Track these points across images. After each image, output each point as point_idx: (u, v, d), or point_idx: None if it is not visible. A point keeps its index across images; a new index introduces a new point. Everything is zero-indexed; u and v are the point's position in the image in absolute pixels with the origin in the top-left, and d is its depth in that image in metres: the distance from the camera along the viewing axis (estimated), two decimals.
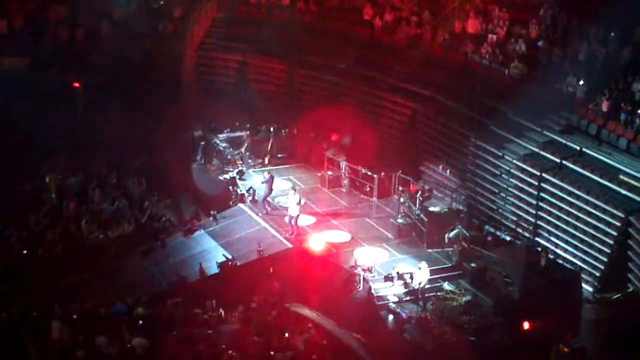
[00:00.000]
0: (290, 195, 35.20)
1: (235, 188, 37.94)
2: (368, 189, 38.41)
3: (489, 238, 34.99)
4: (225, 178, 38.90)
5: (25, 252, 33.33)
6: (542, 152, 35.36)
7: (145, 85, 42.68)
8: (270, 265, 32.12)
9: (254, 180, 38.79)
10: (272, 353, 25.90)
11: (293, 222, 34.87)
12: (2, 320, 26.71)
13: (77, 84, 42.89)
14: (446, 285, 32.66)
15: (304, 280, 31.45)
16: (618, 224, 31.88)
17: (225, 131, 41.66)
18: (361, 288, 31.65)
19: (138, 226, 35.36)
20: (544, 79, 37.49)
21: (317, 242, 33.41)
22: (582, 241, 33.09)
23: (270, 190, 36.80)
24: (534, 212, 34.95)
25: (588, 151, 34.47)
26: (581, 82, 36.07)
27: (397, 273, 32.21)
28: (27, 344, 25.01)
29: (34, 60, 43.52)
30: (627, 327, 30.26)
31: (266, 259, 32.76)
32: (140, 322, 27.40)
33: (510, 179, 35.91)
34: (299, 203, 34.86)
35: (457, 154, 38.58)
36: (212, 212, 36.17)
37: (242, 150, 40.52)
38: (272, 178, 36.85)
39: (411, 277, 31.81)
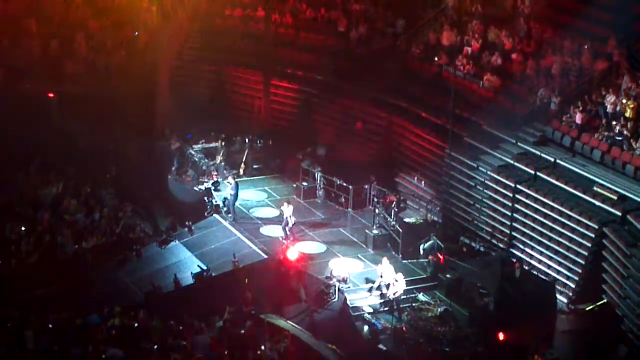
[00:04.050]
0: (285, 207, 35.30)
1: (210, 199, 37.88)
2: (343, 199, 38.46)
3: (464, 249, 35.11)
4: (200, 189, 38.84)
5: None
6: (516, 164, 35.45)
7: (120, 95, 42.48)
8: (245, 276, 32.09)
9: (229, 190, 38.76)
10: None
11: (288, 229, 35.12)
12: None
13: (51, 94, 42.73)
14: (421, 296, 32.75)
15: (279, 291, 31.49)
16: (592, 235, 31.96)
17: (201, 142, 41.60)
18: (336, 299, 31.69)
19: (113, 237, 35.22)
20: (518, 90, 37.69)
21: (292, 253, 33.40)
22: (556, 252, 33.15)
23: (236, 196, 36.91)
24: (508, 223, 35.00)
25: (562, 162, 34.60)
26: (555, 94, 36.26)
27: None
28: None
29: (9, 70, 43.28)
30: (601, 338, 30.43)
31: (241, 269, 32.67)
32: (115, 332, 27.39)
33: (485, 190, 35.99)
34: (292, 214, 35.26)
35: (432, 165, 38.64)
36: (187, 223, 36.09)
37: (217, 161, 40.43)
38: (237, 185, 36.99)
39: (387, 286, 31.88)
